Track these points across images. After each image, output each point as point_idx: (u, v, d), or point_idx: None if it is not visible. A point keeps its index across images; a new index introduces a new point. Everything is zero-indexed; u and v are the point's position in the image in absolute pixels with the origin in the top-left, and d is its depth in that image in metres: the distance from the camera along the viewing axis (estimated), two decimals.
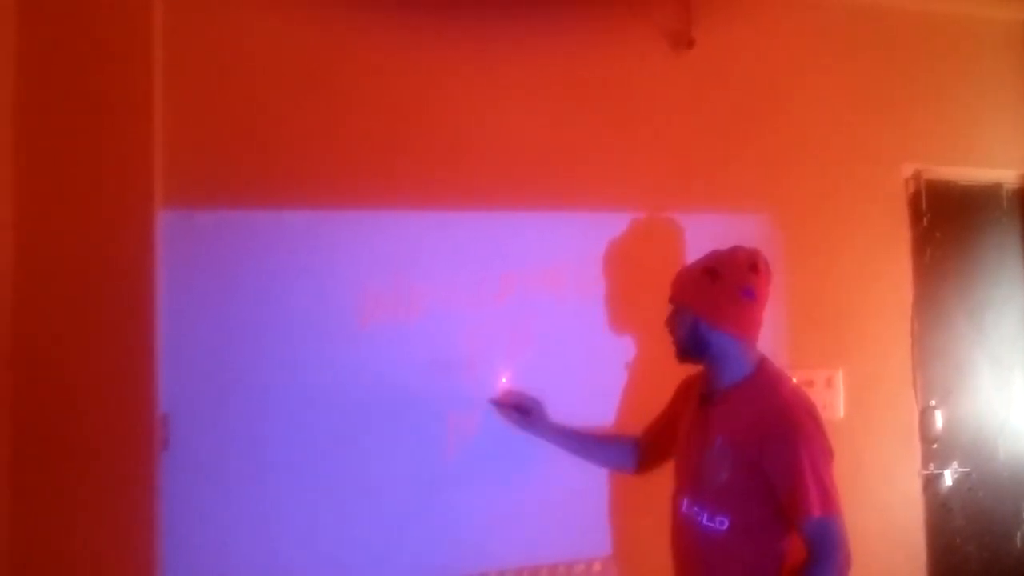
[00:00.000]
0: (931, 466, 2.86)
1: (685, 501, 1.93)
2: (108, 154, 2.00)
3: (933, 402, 2.88)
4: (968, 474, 2.91)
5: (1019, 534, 2.96)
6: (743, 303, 1.88)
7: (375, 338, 2.27)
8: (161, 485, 2.03)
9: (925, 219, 2.93)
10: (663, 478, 2.09)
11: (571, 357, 2.44)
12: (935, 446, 2.87)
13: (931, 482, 2.86)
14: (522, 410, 2.23)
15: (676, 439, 2.05)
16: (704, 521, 1.85)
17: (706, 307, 1.90)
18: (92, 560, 1.95)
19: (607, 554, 2.45)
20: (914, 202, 2.93)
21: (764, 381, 1.89)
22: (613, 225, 2.50)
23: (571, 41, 2.53)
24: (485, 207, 2.40)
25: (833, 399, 2.71)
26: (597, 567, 2.43)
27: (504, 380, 2.29)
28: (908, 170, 2.93)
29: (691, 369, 2.07)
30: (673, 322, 1.99)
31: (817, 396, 2.63)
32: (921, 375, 2.86)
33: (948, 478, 2.88)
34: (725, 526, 1.81)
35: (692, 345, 1.94)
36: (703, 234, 2.55)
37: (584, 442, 2.28)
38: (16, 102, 1.94)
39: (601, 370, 2.46)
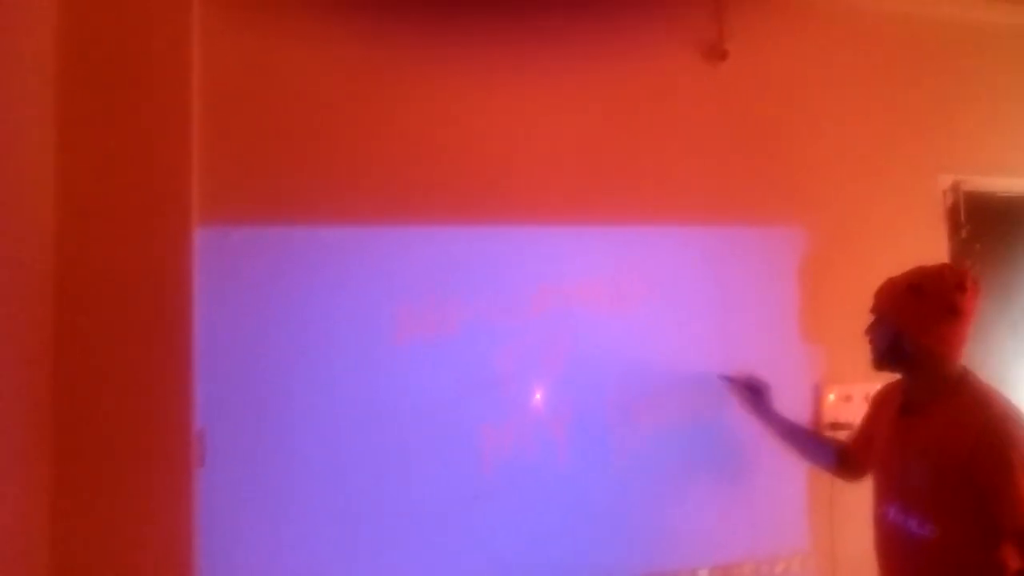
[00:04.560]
0: None
1: (892, 509, 1.95)
2: (146, 171, 2.01)
3: None
4: None
5: None
6: (948, 321, 1.91)
7: (411, 353, 2.26)
8: (197, 501, 2.03)
9: (964, 231, 2.88)
10: None
11: (607, 372, 2.42)
12: None
13: None
14: (752, 390, 2.37)
15: (875, 447, 2.09)
16: (914, 528, 1.87)
17: (910, 322, 1.94)
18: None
19: (646, 571, 2.42)
20: (953, 213, 2.88)
21: (971, 393, 1.90)
22: (648, 239, 2.49)
23: (605, 55, 2.52)
24: (520, 222, 2.39)
25: None
26: None
27: (539, 397, 2.29)
28: (946, 181, 2.89)
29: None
30: (874, 331, 2.04)
31: (855, 411, 2.59)
32: None
33: None
34: (936, 534, 1.83)
35: (892, 356, 1.99)
36: (739, 247, 2.55)
37: (798, 435, 2.40)
38: (56, 119, 1.96)
39: (638, 384, 2.44)
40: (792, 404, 2.52)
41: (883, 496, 2.01)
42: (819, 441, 2.42)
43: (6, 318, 1.69)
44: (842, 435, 2.52)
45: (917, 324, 1.92)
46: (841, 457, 2.30)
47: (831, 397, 2.61)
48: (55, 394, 1.93)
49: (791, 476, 2.56)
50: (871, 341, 2.05)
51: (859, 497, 2.41)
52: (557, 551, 2.34)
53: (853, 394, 2.64)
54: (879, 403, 2.19)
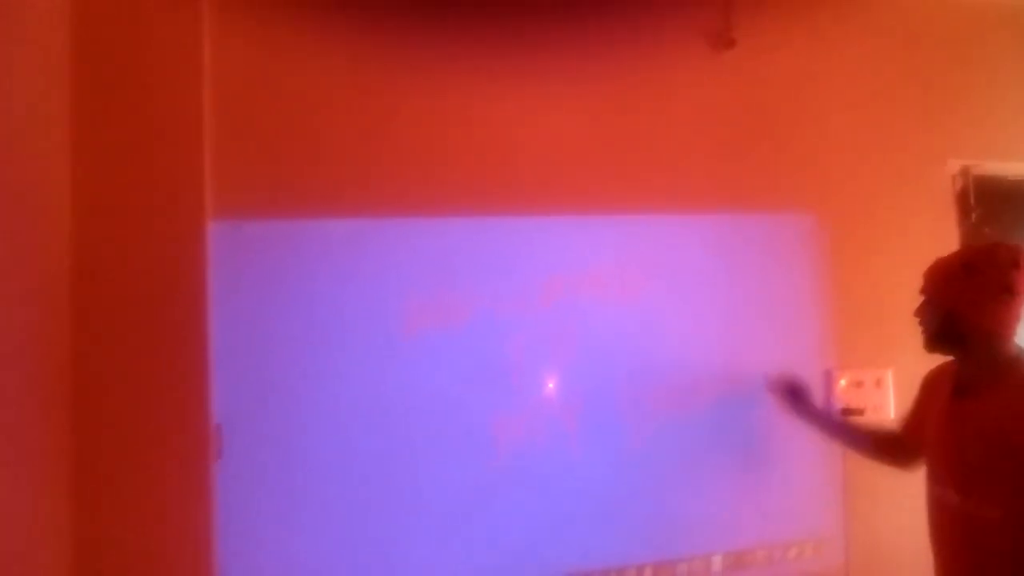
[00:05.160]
0: None
1: (949, 491, 1.94)
2: (160, 167, 2.03)
3: None
4: None
5: None
6: (1003, 300, 1.88)
7: (421, 345, 2.28)
8: (216, 494, 2.05)
9: (974, 215, 2.87)
10: None
11: (618, 361, 2.43)
12: None
13: None
14: (794, 393, 2.39)
15: (927, 432, 2.07)
16: (974, 510, 1.86)
17: (962, 302, 1.92)
18: (148, 570, 1.98)
19: (659, 558, 2.43)
20: (962, 198, 2.88)
21: None
22: (657, 227, 2.50)
23: (611, 43, 2.52)
24: (528, 212, 2.40)
25: (883, 399, 2.67)
26: (648, 572, 2.42)
27: (550, 387, 2.30)
28: (955, 166, 2.88)
29: None
30: (924, 313, 2.03)
31: (867, 396, 2.61)
32: None
33: None
34: (997, 514, 1.82)
35: (944, 338, 1.98)
36: (748, 234, 2.55)
37: (845, 431, 2.43)
38: (72, 117, 1.98)
39: (648, 373, 2.46)
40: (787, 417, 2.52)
41: (939, 479, 1.99)
42: (866, 433, 2.40)
43: (23, 315, 1.71)
44: (861, 420, 2.54)
45: (970, 304, 1.90)
46: (890, 446, 2.29)
47: (842, 383, 2.62)
48: (73, 390, 1.95)
49: (803, 461, 2.57)
50: (921, 323, 2.04)
51: (872, 481, 2.44)
52: (569, 539, 2.36)
53: (864, 380, 2.65)
54: (929, 387, 2.16)
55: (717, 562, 2.49)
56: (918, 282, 2.72)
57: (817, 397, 2.56)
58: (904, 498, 2.56)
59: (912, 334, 2.71)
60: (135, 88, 2.03)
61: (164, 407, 2.01)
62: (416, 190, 2.32)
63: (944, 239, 2.82)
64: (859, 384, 2.63)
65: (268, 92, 2.22)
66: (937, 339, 2.00)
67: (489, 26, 2.42)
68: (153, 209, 2.02)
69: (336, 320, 2.22)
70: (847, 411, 2.61)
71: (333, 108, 2.27)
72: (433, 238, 2.31)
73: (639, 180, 2.50)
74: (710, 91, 2.61)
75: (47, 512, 1.83)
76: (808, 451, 2.53)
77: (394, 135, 2.32)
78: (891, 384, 2.68)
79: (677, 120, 2.56)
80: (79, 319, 1.97)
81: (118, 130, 2.01)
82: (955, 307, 1.93)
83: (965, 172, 2.88)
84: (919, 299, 2.05)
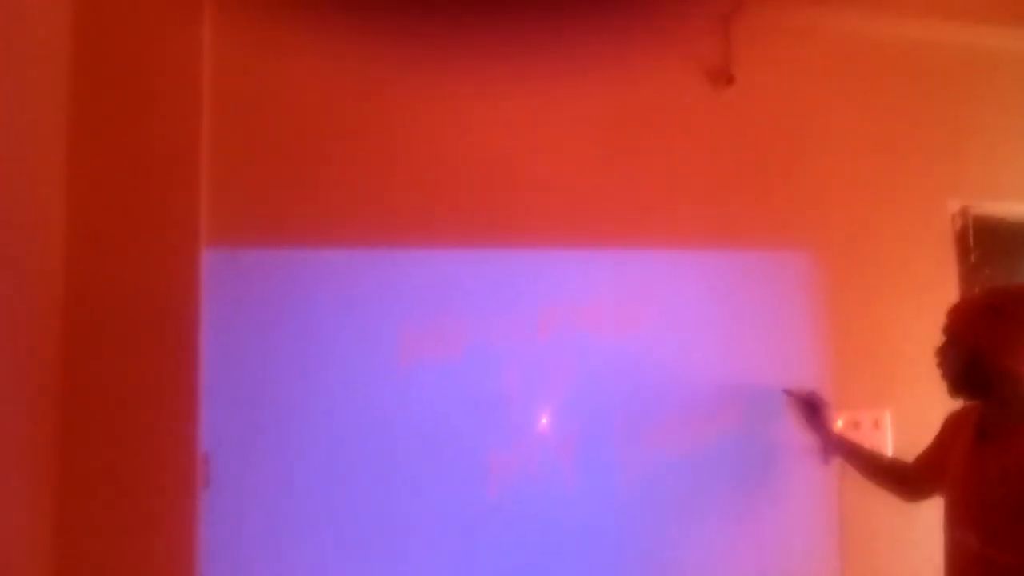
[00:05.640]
0: None
1: (969, 535, 1.90)
2: (156, 192, 2.03)
3: None
4: None
5: None
6: None
7: (415, 376, 2.26)
8: (201, 524, 2.02)
9: (973, 256, 2.86)
10: None
11: (613, 396, 2.41)
12: None
13: None
14: (812, 406, 2.38)
15: (946, 473, 2.03)
16: (995, 555, 1.82)
17: (989, 345, 1.88)
18: None
19: None
20: (961, 238, 2.87)
21: None
22: (654, 262, 2.49)
23: (611, 78, 2.53)
24: (524, 244, 2.39)
25: (881, 440, 2.64)
26: None
27: (544, 420, 2.28)
28: (955, 206, 2.87)
29: None
30: (946, 354, 1.99)
31: (864, 437, 2.59)
32: None
33: None
34: (1019, 560, 1.78)
35: (968, 381, 1.94)
36: (745, 271, 2.54)
37: (858, 455, 2.40)
38: (68, 138, 1.98)
39: (644, 409, 2.43)
40: (801, 430, 2.50)
41: (959, 523, 1.95)
42: (876, 457, 2.41)
43: (12, 340, 1.69)
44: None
45: (998, 346, 1.86)
46: (899, 475, 2.28)
47: (839, 423, 2.59)
48: (61, 414, 1.94)
49: (800, 502, 2.54)
50: (942, 364, 2.00)
51: (869, 523, 2.41)
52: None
53: (862, 420, 2.62)
54: (952, 428, 2.13)
55: None
56: (917, 322, 2.73)
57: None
58: (901, 542, 2.54)
59: (911, 375, 2.71)
60: (133, 111, 2.03)
61: (151, 434, 1.99)
62: (414, 220, 2.31)
63: (943, 279, 2.81)
64: (856, 424, 2.60)
65: (267, 120, 2.23)
66: (961, 382, 1.96)
67: (488, 61, 2.43)
68: (148, 233, 2.01)
69: (330, 350, 2.21)
70: None
71: (331, 139, 2.27)
72: (429, 269, 2.30)
73: (637, 214, 2.50)
74: (709, 127, 2.61)
75: (29, 540, 1.80)
76: (804, 491, 2.50)
77: (393, 165, 2.32)
78: (889, 425, 2.65)
79: (675, 155, 2.56)
80: (69, 343, 1.96)
81: (115, 152, 2.01)
82: (981, 350, 1.89)
83: (964, 212, 2.87)
84: (940, 339, 2.02)
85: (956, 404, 2.66)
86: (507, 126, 2.44)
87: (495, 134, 2.42)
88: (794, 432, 2.50)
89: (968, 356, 1.91)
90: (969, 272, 2.85)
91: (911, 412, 2.68)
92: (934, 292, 2.78)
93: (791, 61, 2.73)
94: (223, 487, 2.09)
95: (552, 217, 2.44)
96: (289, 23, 2.25)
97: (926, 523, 2.53)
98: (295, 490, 2.15)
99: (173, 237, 2.04)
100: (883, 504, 2.37)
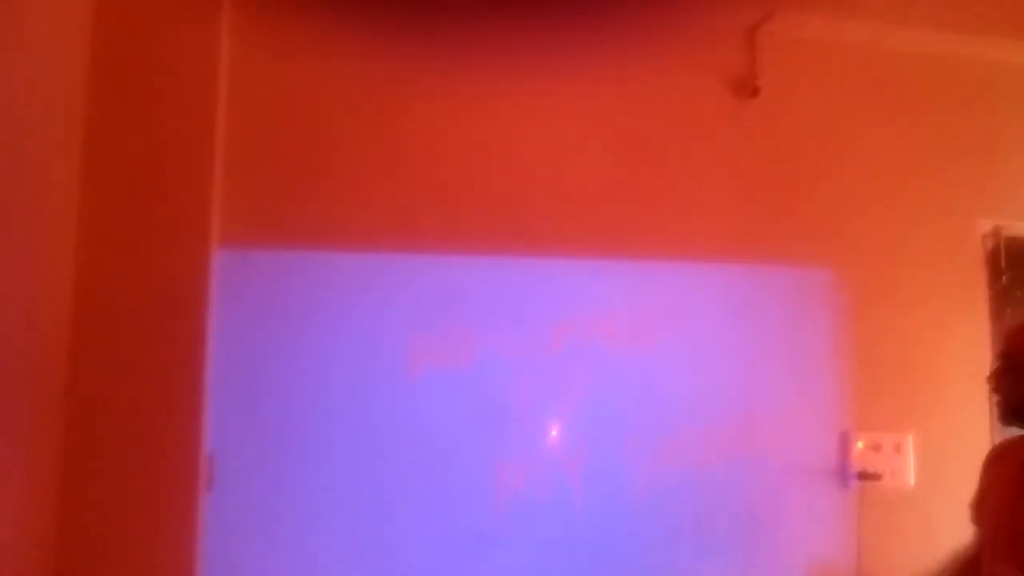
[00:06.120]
0: None
1: (1011, 569, 1.77)
2: (168, 191, 2.02)
3: None
4: None
5: None
6: None
7: (425, 385, 2.23)
8: (204, 526, 2.00)
9: (1004, 277, 2.78)
10: None
11: (626, 411, 2.36)
12: None
13: None
14: None
15: (990, 503, 1.91)
16: None
17: None
18: None
19: None
20: (992, 259, 2.79)
21: None
22: (672, 275, 2.45)
23: (632, 87, 2.50)
24: (541, 253, 2.36)
25: (902, 465, 2.56)
26: None
27: (554, 433, 2.24)
28: (986, 225, 2.80)
29: None
30: (1003, 380, 1.85)
31: (885, 461, 2.51)
32: (998, 442, 2.68)
33: None
34: None
35: None
36: (766, 287, 2.49)
37: None
38: (82, 136, 1.98)
39: (657, 425, 2.38)
40: (819, 452, 2.43)
41: (1001, 555, 1.82)
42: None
43: (22, 335, 1.69)
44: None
45: None
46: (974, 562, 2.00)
47: (859, 445, 2.51)
48: (66, 413, 1.92)
49: (813, 529, 2.46)
50: (997, 390, 1.86)
51: (887, 552, 2.32)
52: None
53: (883, 443, 2.55)
54: (996, 461, 1.97)
55: None
56: (943, 345, 2.66)
57: (832, 459, 2.46)
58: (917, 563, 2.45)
59: (936, 399, 2.64)
60: (149, 109, 2.03)
61: (156, 433, 1.97)
62: (428, 226, 2.29)
63: (972, 301, 2.73)
64: (877, 448, 2.53)
65: (282, 122, 2.23)
66: (1019, 411, 1.82)
67: (510, 69, 2.40)
68: (160, 232, 2.01)
69: (339, 354, 2.19)
70: (863, 475, 2.50)
71: (346, 140, 2.26)
72: (442, 275, 2.28)
73: (655, 226, 2.46)
74: (732, 139, 2.57)
75: (31, 538, 1.79)
76: (821, 515, 2.43)
77: (409, 169, 2.30)
78: (911, 449, 2.57)
79: (697, 166, 2.52)
80: (77, 341, 1.95)
81: (129, 150, 2.01)
82: None
83: (996, 232, 2.79)
84: (995, 364, 1.88)
85: (979, 429, 2.64)
86: (526, 133, 2.41)
87: (514, 140, 2.40)
88: (812, 453, 2.43)
89: None
90: (1000, 294, 2.77)
91: (936, 437, 2.60)
92: (962, 314, 2.71)
93: (818, 74, 2.68)
94: (227, 489, 2.07)
95: (570, 226, 2.40)
96: (306, 25, 2.24)
97: (948, 550, 2.45)
98: (299, 494, 2.13)
99: (185, 236, 2.03)
100: (902, 534, 2.30)
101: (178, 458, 1.98)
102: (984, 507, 1.94)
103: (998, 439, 2.62)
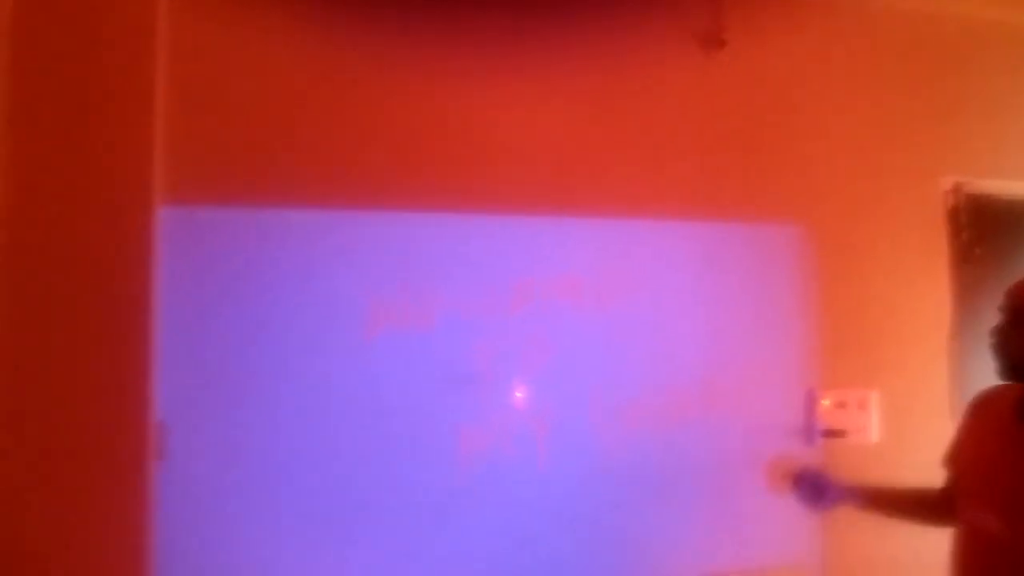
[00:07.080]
0: None
1: (991, 518, 1.76)
2: (105, 147, 1.89)
3: None
4: None
5: None
6: None
7: (384, 347, 2.17)
8: (155, 497, 1.92)
9: (965, 234, 2.80)
10: None
11: (590, 371, 2.33)
12: None
13: None
14: (819, 489, 2.06)
15: (966, 455, 1.91)
16: (1018, 539, 1.69)
17: None
18: (80, 574, 1.84)
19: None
20: (953, 216, 2.80)
21: None
22: (637, 232, 2.41)
23: (597, 41, 2.45)
24: (503, 211, 2.30)
25: (866, 422, 2.57)
26: None
27: (518, 396, 2.19)
28: (948, 183, 2.81)
29: None
30: (1006, 335, 1.81)
31: (850, 418, 2.53)
32: (959, 398, 2.71)
33: None
34: None
35: None
36: (732, 244, 2.46)
37: (877, 499, 2.12)
38: (11, 90, 1.85)
39: (622, 385, 2.35)
40: (784, 409, 2.43)
41: (981, 504, 1.81)
42: (905, 496, 2.11)
43: None
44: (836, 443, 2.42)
45: None
46: (938, 501, 2.00)
47: (825, 403, 2.52)
48: (1, 382, 1.82)
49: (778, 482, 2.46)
50: (1000, 345, 1.83)
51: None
52: (534, 558, 2.25)
53: (848, 400, 2.56)
54: (979, 410, 1.96)
55: None
56: (906, 301, 2.67)
57: (798, 417, 2.46)
58: (883, 526, 2.47)
59: (900, 355, 2.65)
60: (80, 56, 1.89)
61: (101, 402, 1.87)
62: (384, 181, 2.22)
63: (934, 257, 2.76)
64: (842, 405, 2.54)
65: (228, 74, 2.13)
66: (1019, 366, 1.78)
67: (470, 17, 2.34)
68: (96, 191, 1.88)
69: (294, 316, 2.12)
70: (829, 432, 2.51)
71: (299, 89, 2.18)
72: (400, 233, 2.21)
73: (620, 182, 2.42)
74: (698, 92, 2.53)
75: None
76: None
77: (363, 122, 2.22)
78: (875, 406, 2.59)
79: (663, 121, 2.49)
80: (10, 306, 1.83)
81: (59, 104, 1.87)
82: None
83: (957, 189, 2.80)
84: (1000, 319, 1.84)
85: (940, 386, 2.67)
86: (486, 86, 2.34)
87: (476, 93, 2.33)
88: (778, 411, 2.43)
89: None
90: (961, 251, 2.79)
91: (899, 393, 2.63)
92: (925, 271, 2.73)
93: (785, 28, 2.64)
94: (179, 459, 1.99)
95: (532, 183, 2.35)
96: None
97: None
98: (255, 461, 2.07)
99: (125, 193, 1.90)
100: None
101: (127, 427, 1.88)
102: (962, 454, 1.94)
103: (957, 395, 2.67)
